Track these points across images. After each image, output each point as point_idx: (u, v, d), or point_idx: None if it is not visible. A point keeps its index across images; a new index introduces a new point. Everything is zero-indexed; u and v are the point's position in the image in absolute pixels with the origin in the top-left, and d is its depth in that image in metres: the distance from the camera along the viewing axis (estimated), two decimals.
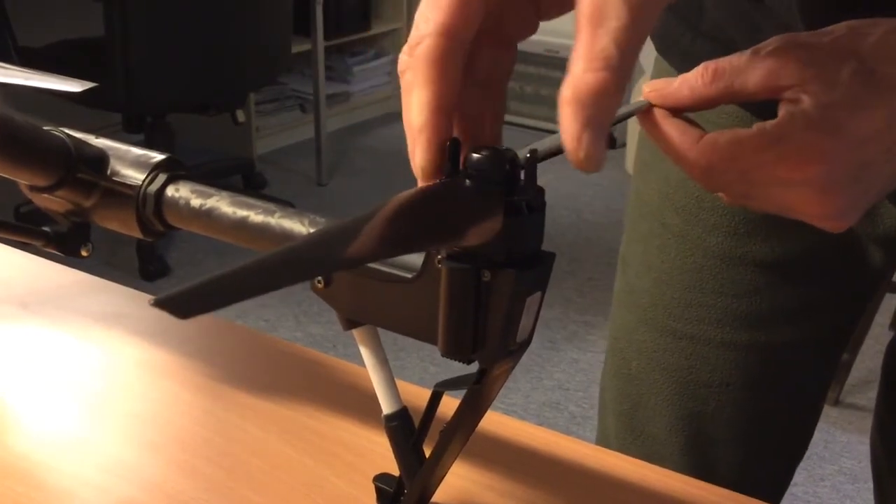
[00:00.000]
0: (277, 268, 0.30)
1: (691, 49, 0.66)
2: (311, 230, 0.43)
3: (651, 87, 0.46)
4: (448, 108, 0.39)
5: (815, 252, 0.67)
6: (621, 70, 0.36)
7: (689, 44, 0.66)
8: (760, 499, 0.53)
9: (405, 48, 0.41)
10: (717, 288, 0.70)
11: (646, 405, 0.76)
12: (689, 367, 0.73)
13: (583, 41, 0.36)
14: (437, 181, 0.38)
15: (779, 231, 0.67)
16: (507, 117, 3.16)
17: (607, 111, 0.36)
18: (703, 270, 0.70)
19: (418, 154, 0.38)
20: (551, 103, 3.61)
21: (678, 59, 0.68)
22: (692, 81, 0.45)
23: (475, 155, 0.36)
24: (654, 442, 0.76)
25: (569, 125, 0.36)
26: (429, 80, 0.39)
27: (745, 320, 0.70)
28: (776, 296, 0.70)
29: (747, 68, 0.44)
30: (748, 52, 0.44)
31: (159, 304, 0.29)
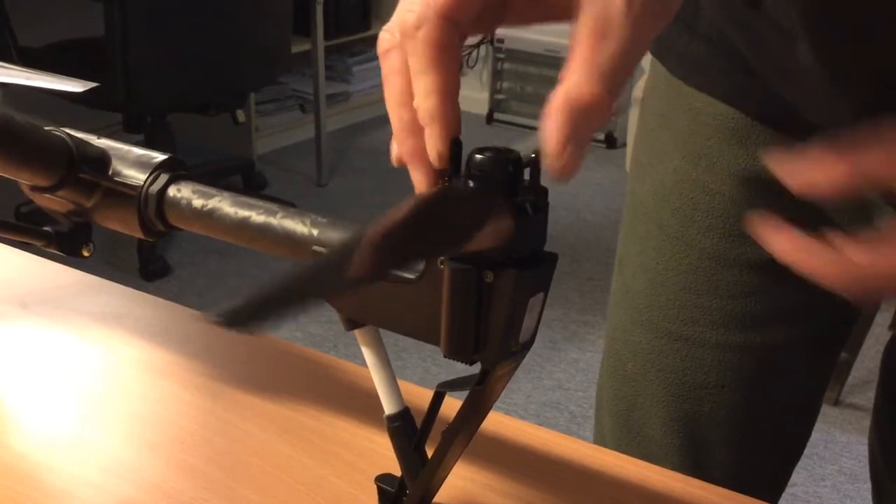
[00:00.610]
0: (320, 279, 0.30)
1: (687, 51, 0.66)
2: (313, 230, 0.43)
3: (779, 164, 0.42)
4: (456, 94, 0.38)
5: None
6: (616, 87, 0.36)
7: (685, 46, 0.66)
8: (758, 499, 0.53)
9: (393, 26, 0.40)
10: (712, 289, 0.70)
11: (641, 406, 0.76)
12: (685, 369, 0.73)
13: (583, 52, 0.36)
14: (443, 186, 0.38)
15: None
16: (508, 117, 3.17)
17: (594, 126, 0.36)
18: (698, 272, 0.70)
19: (434, 143, 0.38)
20: None
21: (674, 62, 0.68)
22: (824, 162, 0.41)
23: (478, 156, 0.36)
24: (650, 443, 0.76)
25: (554, 133, 0.36)
26: (436, 65, 0.38)
27: (741, 321, 0.70)
28: (771, 297, 0.70)
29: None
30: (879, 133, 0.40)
31: (219, 320, 0.28)
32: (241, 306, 0.29)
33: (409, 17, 0.39)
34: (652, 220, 0.72)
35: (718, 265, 0.69)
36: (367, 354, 0.46)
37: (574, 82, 0.36)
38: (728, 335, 0.71)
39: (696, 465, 0.75)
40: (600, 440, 0.82)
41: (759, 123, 0.64)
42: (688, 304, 0.71)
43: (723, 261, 0.69)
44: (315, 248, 0.43)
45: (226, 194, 0.47)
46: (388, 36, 0.40)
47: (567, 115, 0.36)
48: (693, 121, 0.67)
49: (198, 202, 0.47)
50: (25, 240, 0.55)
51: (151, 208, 0.48)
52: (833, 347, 0.76)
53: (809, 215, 0.65)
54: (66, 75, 0.58)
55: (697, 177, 0.67)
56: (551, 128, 0.36)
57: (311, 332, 2.30)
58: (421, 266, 0.40)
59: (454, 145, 0.37)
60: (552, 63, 3.54)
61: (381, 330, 0.44)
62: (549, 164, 0.36)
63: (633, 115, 3.20)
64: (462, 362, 0.39)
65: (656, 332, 0.73)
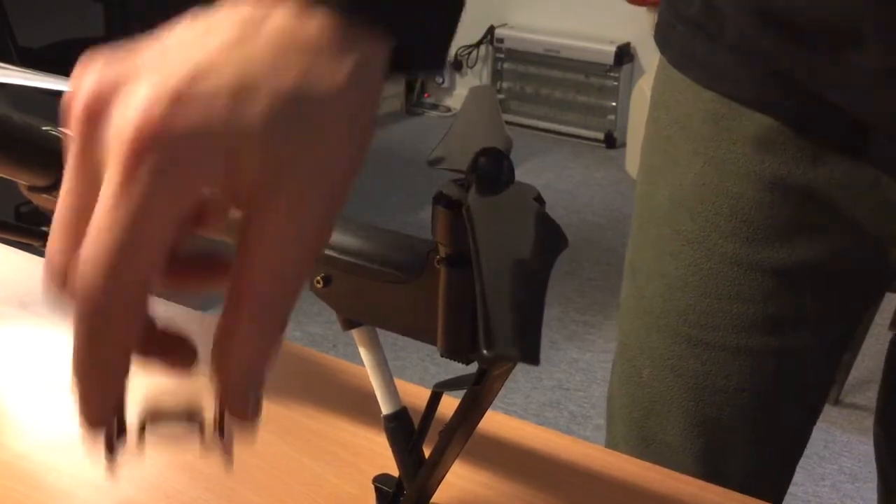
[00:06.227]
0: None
1: (711, 60, 0.66)
2: None
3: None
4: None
5: (834, 257, 0.67)
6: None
7: (708, 55, 0.66)
8: (766, 500, 0.53)
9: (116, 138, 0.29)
10: (733, 294, 0.69)
11: (658, 412, 0.76)
12: (705, 374, 0.72)
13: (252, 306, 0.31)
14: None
15: (798, 237, 0.67)
16: (507, 117, 3.17)
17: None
18: (718, 276, 0.69)
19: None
20: (551, 103, 3.61)
21: (697, 71, 0.68)
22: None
23: (480, 160, 0.36)
24: (668, 449, 0.76)
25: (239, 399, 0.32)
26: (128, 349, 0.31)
27: (762, 325, 0.70)
28: (793, 301, 0.69)
29: None
30: None
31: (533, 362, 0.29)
32: (534, 342, 0.30)
33: (108, 243, 0.29)
34: (668, 224, 0.72)
35: (740, 269, 0.68)
36: (365, 354, 0.46)
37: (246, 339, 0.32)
38: (749, 339, 0.71)
39: (712, 468, 0.75)
40: (613, 448, 0.81)
41: (785, 127, 0.64)
42: (708, 308, 0.71)
43: (745, 265, 0.68)
44: None
45: None
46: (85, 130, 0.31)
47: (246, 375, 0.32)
48: (715, 126, 0.66)
49: None
50: (25, 240, 0.55)
51: None
52: (842, 349, 0.77)
53: (838, 220, 0.66)
54: (66, 75, 0.58)
55: (720, 181, 0.67)
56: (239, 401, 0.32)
57: (310, 332, 2.30)
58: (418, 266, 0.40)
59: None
60: (552, 63, 3.54)
61: (378, 329, 0.44)
62: (239, 420, 0.32)
63: (634, 116, 3.20)
64: (459, 362, 0.39)
65: (675, 337, 0.73)
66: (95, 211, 0.29)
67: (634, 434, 0.78)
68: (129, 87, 0.30)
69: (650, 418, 0.76)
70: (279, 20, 0.32)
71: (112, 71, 0.31)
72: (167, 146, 0.29)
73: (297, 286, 0.31)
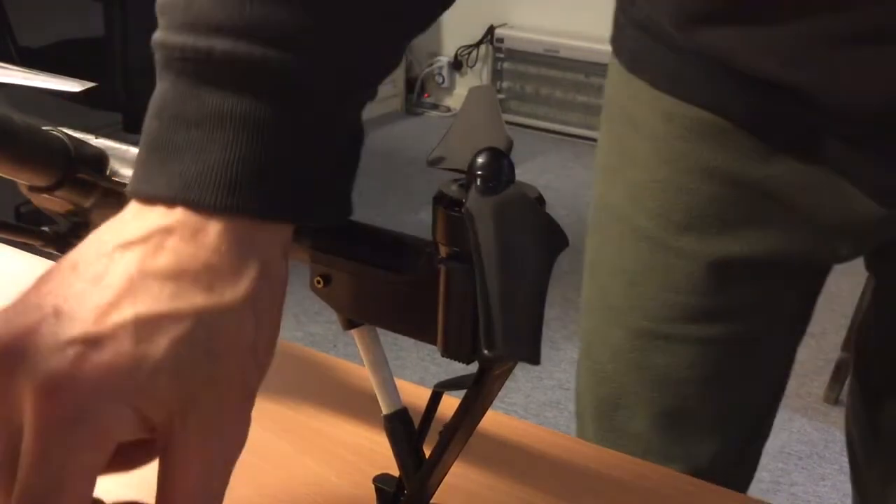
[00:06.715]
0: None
1: (663, 62, 0.66)
2: None
3: None
4: None
5: (788, 248, 0.68)
6: None
7: (661, 58, 0.66)
8: (735, 483, 0.54)
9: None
10: (689, 287, 0.70)
11: (625, 405, 0.77)
12: (667, 365, 0.74)
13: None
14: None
15: (753, 231, 0.67)
16: (507, 117, 3.17)
17: None
18: (675, 270, 0.70)
19: None
20: (551, 103, 3.61)
21: (646, 73, 0.68)
22: None
23: (480, 160, 0.36)
24: (637, 440, 0.77)
25: None
26: None
27: (719, 317, 0.71)
28: (749, 291, 0.71)
29: None
30: None
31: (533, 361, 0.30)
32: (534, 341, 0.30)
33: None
34: (626, 222, 0.73)
35: (696, 263, 0.70)
36: (365, 354, 0.45)
37: None
38: (708, 330, 0.72)
39: (681, 456, 0.76)
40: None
41: (737, 127, 0.64)
42: (667, 302, 0.72)
43: (700, 259, 0.69)
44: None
45: None
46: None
47: None
48: (668, 123, 0.67)
49: None
50: (24, 240, 0.55)
51: None
52: (802, 329, 0.78)
53: (793, 214, 0.66)
54: (66, 75, 0.58)
55: (672, 177, 0.68)
56: None
57: (310, 332, 2.30)
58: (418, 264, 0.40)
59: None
60: (552, 63, 3.54)
61: (378, 329, 0.44)
62: None
63: None
64: (460, 362, 0.39)
65: (637, 331, 0.74)
66: (21, 464, 0.30)
67: (603, 428, 0.80)
68: (36, 334, 0.31)
69: (617, 411, 0.78)
70: (175, 245, 0.32)
71: (17, 319, 0.31)
72: (79, 397, 0.29)
73: (222, 491, 0.33)
